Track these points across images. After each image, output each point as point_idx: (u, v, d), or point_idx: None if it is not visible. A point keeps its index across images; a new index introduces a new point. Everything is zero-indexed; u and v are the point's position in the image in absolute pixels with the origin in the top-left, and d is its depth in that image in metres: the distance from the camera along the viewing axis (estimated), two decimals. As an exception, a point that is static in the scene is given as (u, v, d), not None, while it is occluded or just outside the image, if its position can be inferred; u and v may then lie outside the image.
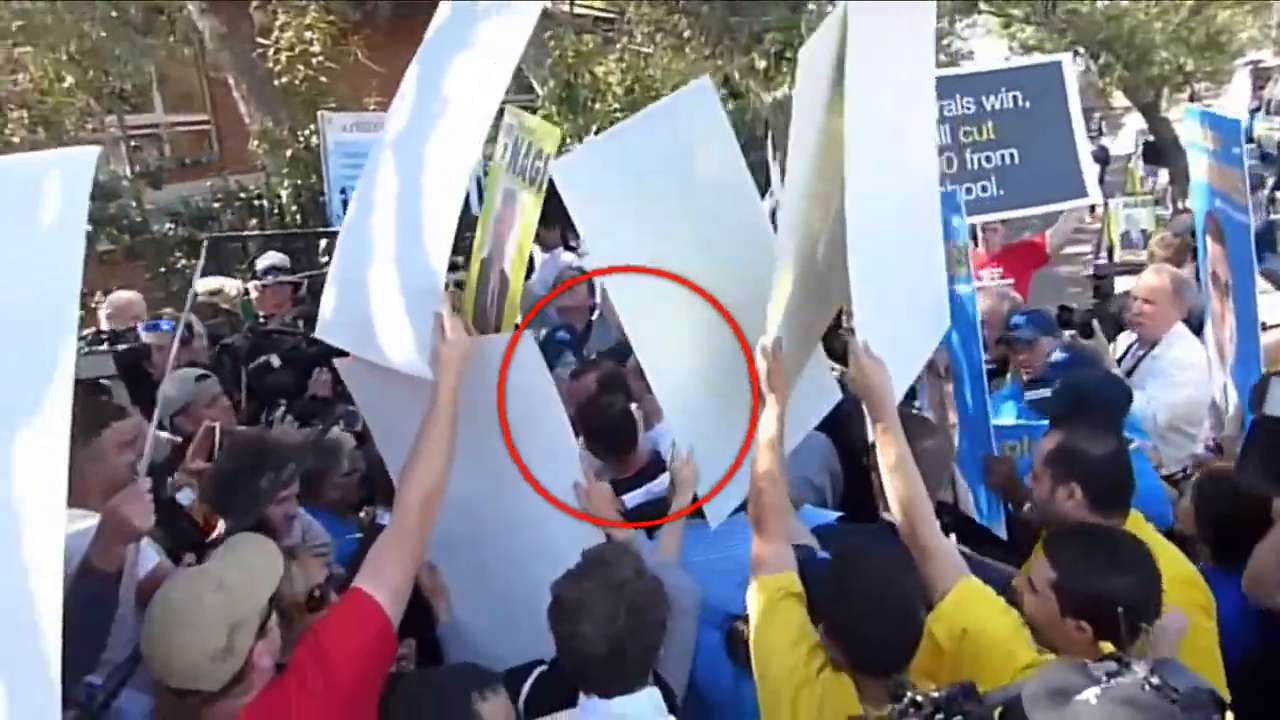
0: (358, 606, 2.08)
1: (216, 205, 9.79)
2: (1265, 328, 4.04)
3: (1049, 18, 10.93)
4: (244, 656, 1.90)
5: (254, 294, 5.96)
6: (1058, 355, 3.86)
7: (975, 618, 2.15)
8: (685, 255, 2.71)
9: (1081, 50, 12.57)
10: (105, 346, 4.64)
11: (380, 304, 2.56)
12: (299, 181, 8.13)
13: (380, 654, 2.09)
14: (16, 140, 7.28)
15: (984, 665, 2.06)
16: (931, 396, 3.60)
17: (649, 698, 2.11)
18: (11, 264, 1.84)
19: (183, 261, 9.96)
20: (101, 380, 4.35)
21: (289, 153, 8.38)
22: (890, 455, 2.36)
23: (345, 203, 6.27)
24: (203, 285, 5.63)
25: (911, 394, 3.79)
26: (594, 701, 2.07)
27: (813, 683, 2.12)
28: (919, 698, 1.49)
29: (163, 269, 9.82)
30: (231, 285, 5.98)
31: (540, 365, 2.56)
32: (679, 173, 2.76)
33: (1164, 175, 13.88)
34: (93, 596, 2.24)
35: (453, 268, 2.90)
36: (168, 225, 10.12)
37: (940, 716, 1.47)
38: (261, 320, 5.55)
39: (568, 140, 7.62)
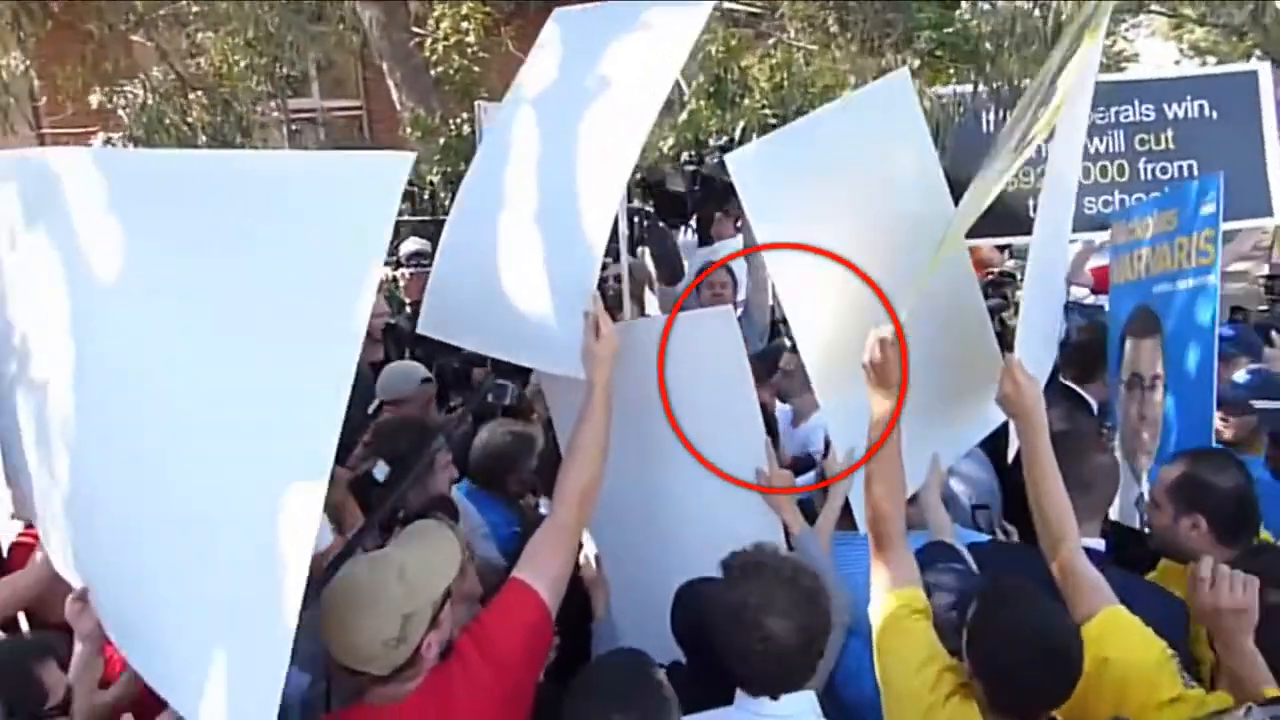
0: (519, 597, 2.13)
1: (369, 189, 10.12)
2: None
3: (1258, 23, 10.19)
4: (415, 645, 1.94)
5: (401, 281, 6.12)
6: (1242, 375, 3.65)
7: (1118, 646, 2.09)
8: (862, 248, 2.65)
9: (1260, 54, 11.81)
10: None
11: (514, 299, 2.54)
12: (449, 169, 8.34)
13: (540, 644, 2.14)
14: (192, 118, 7.72)
15: (1127, 696, 2.02)
16: (1128, 409, 3.43)
17: (808, 699, 2.10)
18: (311, 265, 1.77)
19: (335, 241, 10.40)
20: None
21: (441, 140, 8.60)
22: (1039, 475, 2.31)
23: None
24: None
25: (1104, 412, 3.64)
26: (758, 702, 2.06)
27: (940, 709, 2.05)
28: None
29: (318, 248, 10.26)
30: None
31: (736, 344, 2.54)
32: (868, 165, 2.70)
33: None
34: None
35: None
36: (323, 207, 10.57)
37: None
38: (408, 306, 5.69)
39: (714, 136, 7.57)
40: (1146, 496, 3.17)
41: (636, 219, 5.60)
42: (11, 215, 2.05)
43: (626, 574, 2.74)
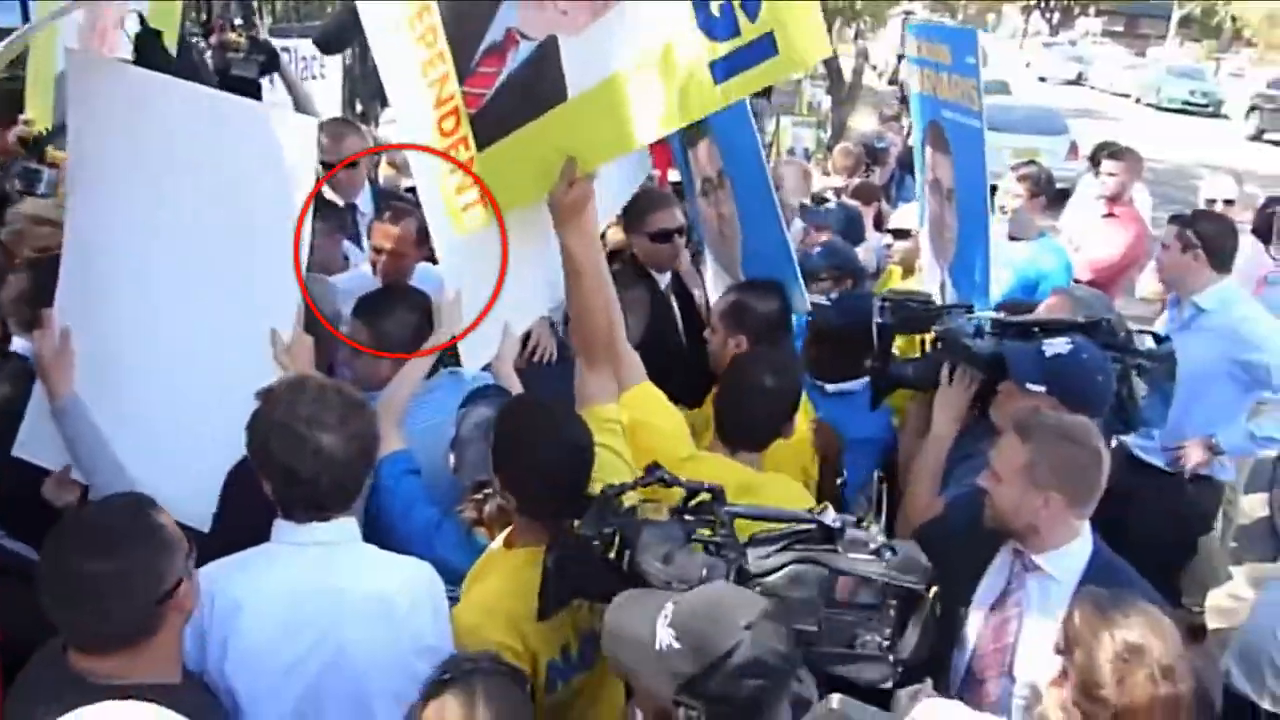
0: None
1: None
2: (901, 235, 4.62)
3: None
4: None
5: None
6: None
7: (648, 411, 2.49)
8: None
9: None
10: None
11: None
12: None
13: None
14: None
15: (656, 450, 2.32)
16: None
17: (353, 524, 2.08)
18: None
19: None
20: None
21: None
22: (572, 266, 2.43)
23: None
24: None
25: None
26: (305, 528, 1.98)
27: None
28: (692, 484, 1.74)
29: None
30: None
31: (308, 151, 2.35)
32: None
33: (826, 100, 15.60)
34: None
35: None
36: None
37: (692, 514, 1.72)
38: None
39: None
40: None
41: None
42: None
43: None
